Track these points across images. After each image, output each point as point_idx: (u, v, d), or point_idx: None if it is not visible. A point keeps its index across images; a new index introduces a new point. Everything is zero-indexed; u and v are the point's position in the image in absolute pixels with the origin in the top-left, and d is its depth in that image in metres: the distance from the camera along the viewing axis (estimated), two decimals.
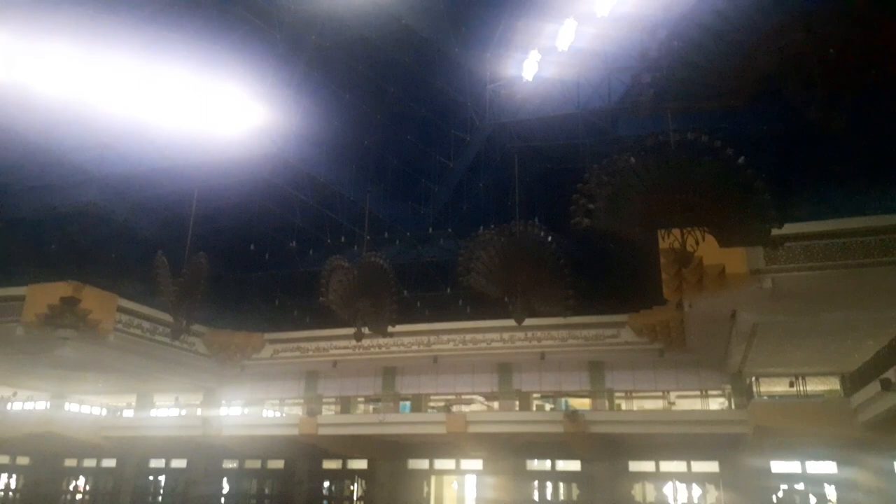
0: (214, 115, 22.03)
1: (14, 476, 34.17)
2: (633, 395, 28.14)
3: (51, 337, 23.13)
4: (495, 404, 29.51)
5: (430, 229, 28.97)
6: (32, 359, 25.99)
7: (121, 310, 24.67)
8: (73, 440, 30.09)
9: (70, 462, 34.21)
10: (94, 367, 27.79)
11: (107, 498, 33.38)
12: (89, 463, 34.07)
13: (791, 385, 24.72)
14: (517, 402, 28.44)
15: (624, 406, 28.07)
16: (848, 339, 20.05)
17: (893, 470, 23.27)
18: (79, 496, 34.82)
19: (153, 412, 33.69)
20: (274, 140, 23.68)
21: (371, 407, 31.43)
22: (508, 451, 26.85)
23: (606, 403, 27.17)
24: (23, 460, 33.64)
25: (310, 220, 27.51)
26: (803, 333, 20.01)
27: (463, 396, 30.44)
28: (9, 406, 30.81)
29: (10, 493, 33.90)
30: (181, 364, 28.54)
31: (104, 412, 33.51)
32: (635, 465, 26.41)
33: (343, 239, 27.08)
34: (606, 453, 25.65)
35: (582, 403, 27.45)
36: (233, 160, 23.68)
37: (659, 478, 26.30)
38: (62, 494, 34.58)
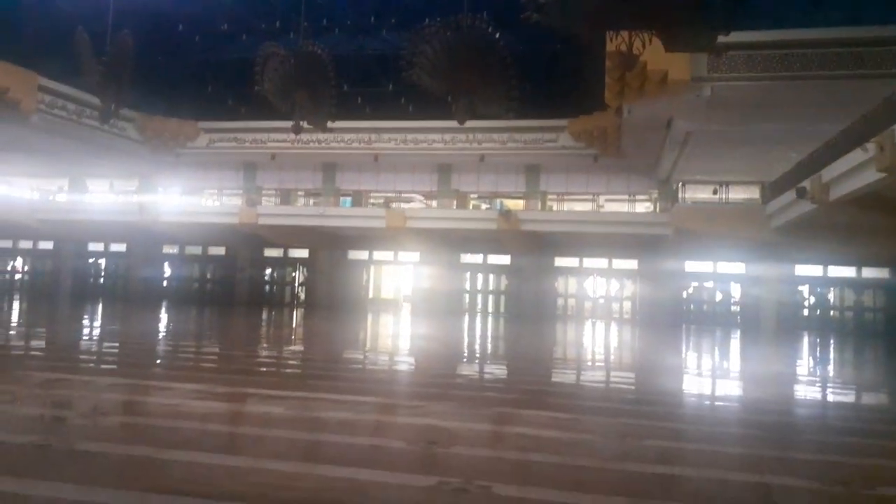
0: None
1: None
2: (565, 197, 29.31)
3: None
4: (434, 203, 30.27)
5: (373, 19, 27.47)
6: None
7: (42, 89, 23.26)
8: (4, 221, 29.69)
9: (5, 243, 34.06)
10: (22, 149, 26.76)
11: (47, 279, 33.82)
12: (25, 244, 34.04)
13: (714, 192, 26.12)
14: (455, 202, 29.27)
15: (556, 208, 29.30)
16: (774, 151, 20.96)
17: (793, 272, 25.68)
18: (18, 276, 35.21)
19: (87, 197, 33.17)
20: None
21: (311, 201, 31.78)
22: (444, 245, 28.09)
23: (539, 204, 28.27)
24: None
25: (242, 2, 25.59)
26: (733, 143, 20.76)
27: (402, 195, 31.02)
28: None
29: None
30: (113, 149, 27.67)
31: (36, 195, 32.76)
32: (561, 261, 28.23)
33: (278, 24, 25.44)
34: (535, 249, 27.20)
35: (516, 204, 28.45)
36: None
37: (581, 273, 28.31)
38: (1, 274, 34.92)
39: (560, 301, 28.47)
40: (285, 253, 31.40)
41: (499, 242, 26.95)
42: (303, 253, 31.00)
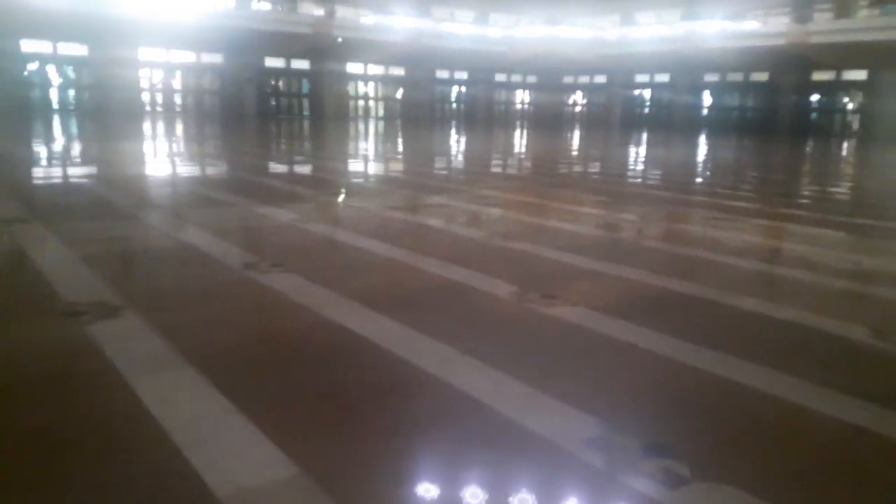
0: None
1: (527, 92, 41.04)
2: None
3: None
4: None
5: None
6: None
7: None
8: (568, 59, 33.93)
9: (568, 79, 39.20)
10: None
11: (600, 109, 38.00)
12: (583, 79, 38.55)
13: None
14: None
15: None
16: None
17: None
18: (577, 108, 40.51)
19: (635, 30, 35.05)
20: None
21: (876, 11, 27.13)
22: None
23: None
24: (531, 79, 39.78)
25: None
26: None
27: None
28: (511, 34, 35.52)
29: (525, 107, 41.18)
30: None
31: (592, 33, 36.17)
32: None
33: None
34: None
35: None
36: None
37: None
38: (564, 106, 40.66)
39: None
40: (837, 76, 28.06)
41: None
42: (860, 75, 27.23)
